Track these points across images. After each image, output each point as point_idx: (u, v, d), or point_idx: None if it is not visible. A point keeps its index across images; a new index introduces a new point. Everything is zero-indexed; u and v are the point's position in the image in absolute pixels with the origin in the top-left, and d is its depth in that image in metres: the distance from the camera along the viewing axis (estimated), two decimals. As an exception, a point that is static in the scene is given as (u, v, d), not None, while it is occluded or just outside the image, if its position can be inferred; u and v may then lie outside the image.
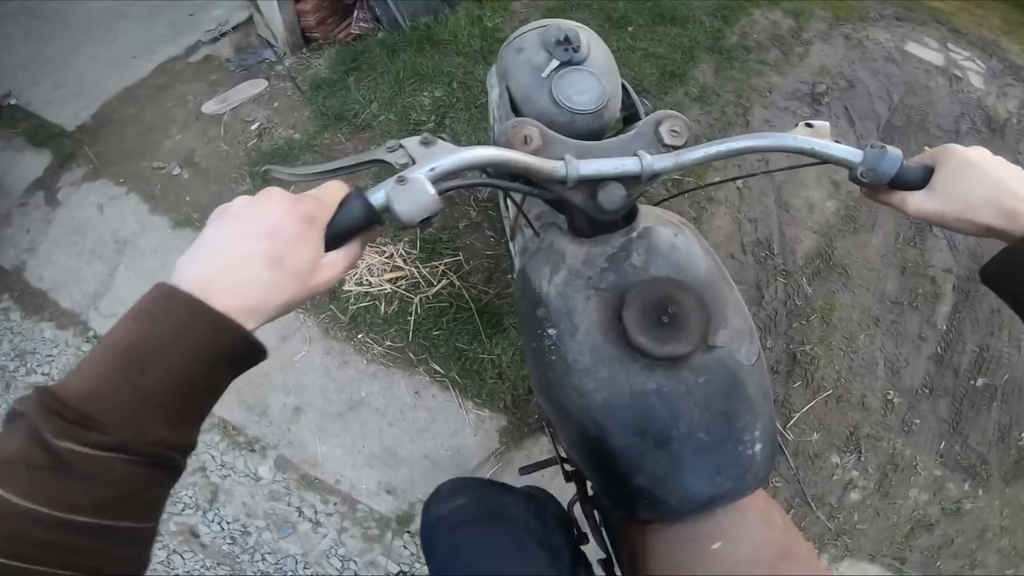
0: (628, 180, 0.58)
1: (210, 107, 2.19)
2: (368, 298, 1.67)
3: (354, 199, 0.45)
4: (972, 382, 1.96)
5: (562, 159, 0.56)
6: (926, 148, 0.58)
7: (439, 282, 1.66)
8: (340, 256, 0.44)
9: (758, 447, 0.60)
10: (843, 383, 1.82)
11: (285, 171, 0.52)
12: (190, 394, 0.35)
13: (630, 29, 2.60)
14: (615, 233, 0.64)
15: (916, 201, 0.54)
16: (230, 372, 0.38)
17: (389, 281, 1.66)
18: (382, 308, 1.66)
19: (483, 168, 0.54)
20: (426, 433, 1.56)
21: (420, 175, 0.46)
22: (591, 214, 0.60)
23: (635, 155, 0.58)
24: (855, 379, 1.84)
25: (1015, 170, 0.51)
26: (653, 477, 0.59)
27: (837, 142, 0.58)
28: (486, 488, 0.82)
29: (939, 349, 2.00)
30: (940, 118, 2.78)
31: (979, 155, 0.52)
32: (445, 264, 1.72)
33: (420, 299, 1.65)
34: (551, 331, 0.63)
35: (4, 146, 2.25)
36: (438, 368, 1.60)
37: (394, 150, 0.50)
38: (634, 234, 0.64)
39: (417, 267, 1.69)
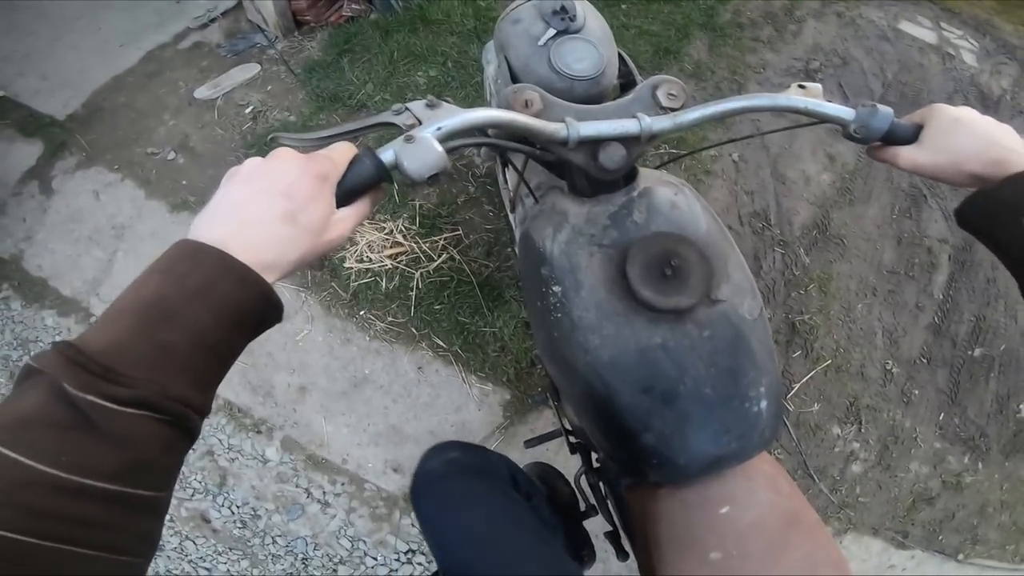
0: (628, 141, 0.60)
1: (202, 92, 2.20)
2: (369, 274, 1.70)
3: (364, 157, 0.46)
4: (969, 352, 2.01)
5: (563, 121, 0.58)
6: None
7: (439, 257, 1.70)
8: (351, 213, 0.46)
9: (763, 404, 0.60)
10: (842, 353, 1.86)
11: (292, 137, 0.54)
12: (212, 352, 0.35)
13: (624, 7, 2.63)
14: (616, 193, 0.66)
15: (908, 154, 0.58)
16: (249, 331, 0.39)
17: (390, 257, 1.70)
18: (383, 284, 1.69)
19: (486, 130, 0.56)
20: (430, 409, 1.59)
21: (427, 134, 0.48)
22: (592, 174, 0.62)
23: (634, 117, 0.60)
24: (854, 349, 1.88)
25: (1000, 125, 0.55)
26: (661, 435, 0.59)
27: (829, 102, 0.61)
28: (476, 448, 0.85)
29: (936, 319, 2.05)
30: (934, 95, 2.83)
31: (966, 112, 0.56)
32: (445, 239, 1.75)
33: (421, 274, 1.68)
34: (556, 288, 0.63)
35: (-7, 138, 2.26)
36: (440, 343, 1.64)
37: (400, 112, 0.52)
38: (635, 193, 0.66)
39: (417, 242, 1.72)
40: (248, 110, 2.15)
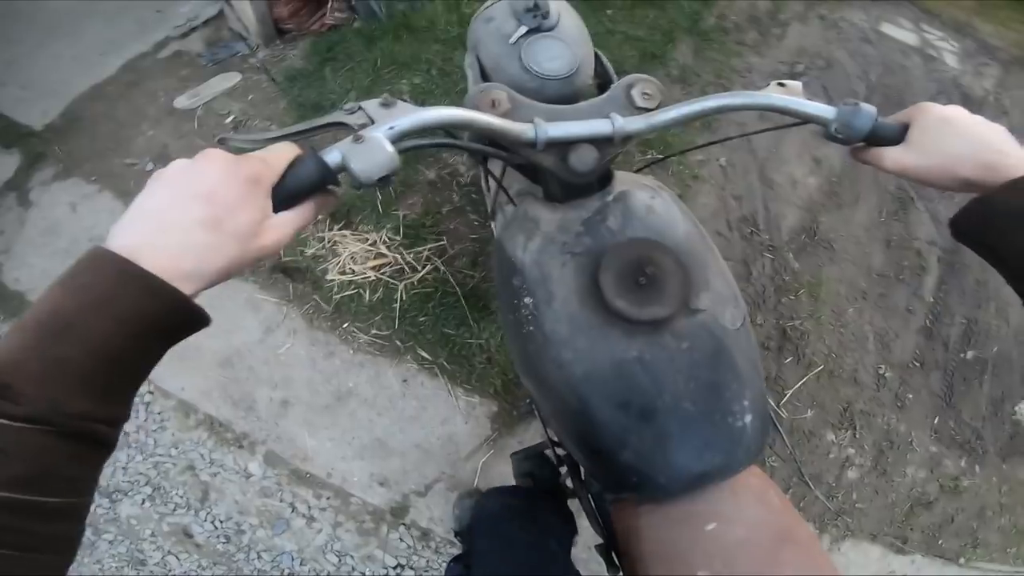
0: (600, 143, 0.58)
1: (182, 102, 2.18)
2: (352, 286, 1.68)
3: (307, 159, 0.44)
4: (962, 355, 2.00)
5: (531, 122, 0.56)
6: None
7: (424, 267, 1.68)
8: (290, 217, 0.43)
9: (748, 418, 0.58)
10: (834, 358, 1.86)
11: (240, 138, 0.51)
12: (116, 364, 0.34)
13: (609, 12, 2.64)
14: (590, 197, 0.64)
15: (894, 156, 0.54)
16: (164, 340, 0.37)
17: (373, 268, 1.68)
18: (367, 296, 1.67)
19: (447, 129, 0.54)
20: (416, 422, 1.57)
21: (378, 134, 0.46)
22: (563, 177, 0.60)
23: (607, 117, 0.58)
24: (846, 354, 1.88)
25: (992, 125, 0.52)
26: (639, 453, 0.57)
27: (809, 100, 0.58)
28: (532, 498, 0.97)
29: (928, 322, 2.05)
30: (917, 96, 2.85)
31: (956, 112, 0.53)
32: (429, 249, 1.73)
33: (405, 285, 1.67)
34: (527, 300, 0.61)
35: (-29, 149, 2.22)
36: (426, 355, 1.62)
37: (353, 112, 0.49)
38: (609, 198, 0.63)
39: (401, 253, 1.71)
40: (229, 120, 2.13)
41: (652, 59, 2.43)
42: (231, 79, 2.23)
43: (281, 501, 1.48)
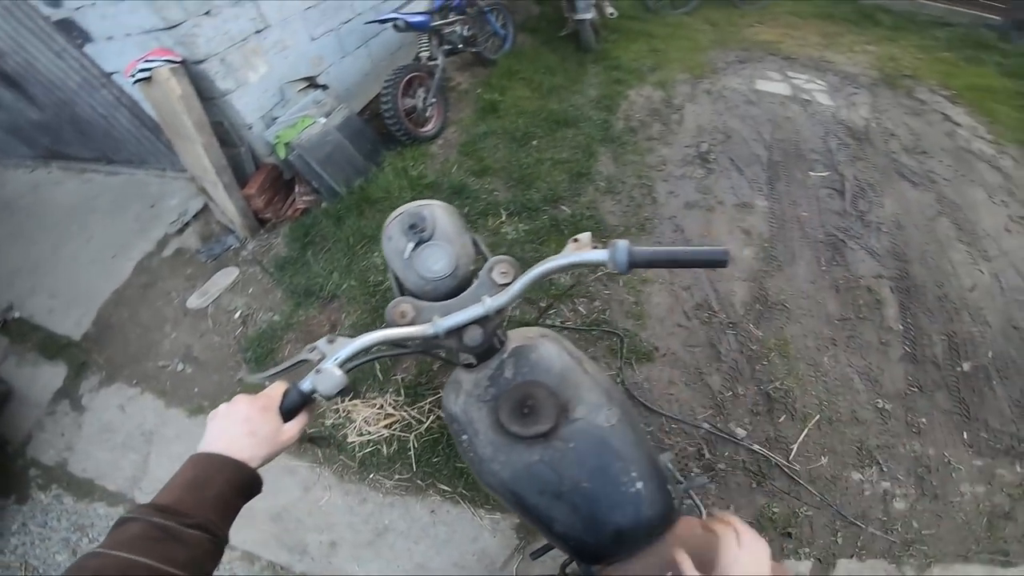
0: (483, 320, 0.79)
1: (193, 302, 2.45)
2: (371, 444, 1.93)
3: (292, 391, 0.70)
4: (958, 368, 1.99)
5: (431, 322, 0.78)
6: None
7: (428, 419, 1.94)
8: (293, 424, 0.71)
9: (640, 484, 0.76)
10: (827, 405, 1.90)
11: (252, 377, 0.85)
12: (226, 503, 0.62)
13: (534, 143, 2.98)
14: (492, 358, 0.87)
15: None
16: (245, 496, 0.65)
17: (385, 427, 1.95)
18: (384, 450, 1.91)
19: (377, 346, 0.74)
20: (450, 544, 1.74)
21: (330, 365, 0.69)
22: (465, 352, 0.82)
23: (480, 301, 0.80)
24: (837, 399, 1.92)
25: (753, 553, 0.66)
26: (564, 523, 0.77)
27: (595, 247, 0.77)
28: None
29: (907, 348, 2.05)
30: (810, 143, 3.13)
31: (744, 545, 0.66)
32: (429, 402, 1.99)
33: (415, 436, 1.91)
34: (463, 437, 0.85)
35: (19, 361, 2.49)
36: (446, 487, 1.83)
37: (312, 350, 0.73)
38: (505, 355, 0.86)
39: (406, 410, 1.97)
40: (237, 315, 2.39)
41: (580, 178, 2.70)
42: (230, 275, 2.49)
43: (336, 628, 1.64)
